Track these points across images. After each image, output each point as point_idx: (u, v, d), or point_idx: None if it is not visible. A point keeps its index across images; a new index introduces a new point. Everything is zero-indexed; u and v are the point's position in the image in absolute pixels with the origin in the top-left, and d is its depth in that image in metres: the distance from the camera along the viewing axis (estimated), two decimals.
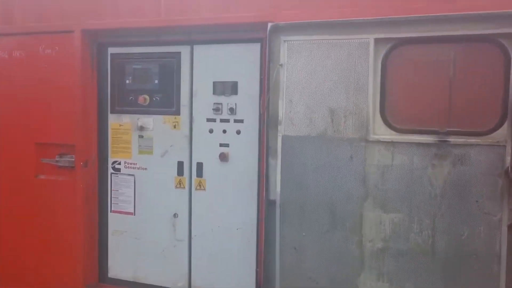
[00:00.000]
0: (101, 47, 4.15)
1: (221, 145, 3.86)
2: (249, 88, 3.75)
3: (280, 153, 3.46)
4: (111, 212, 4.23)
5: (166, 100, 3.97)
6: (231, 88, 3.79)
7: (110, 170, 4.21)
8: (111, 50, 4.13)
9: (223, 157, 3.82)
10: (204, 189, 3.94)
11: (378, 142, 3.23)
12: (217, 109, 3.83)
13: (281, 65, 3.42)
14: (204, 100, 3.86)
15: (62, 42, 4.04)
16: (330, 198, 3.35)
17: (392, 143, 3.20)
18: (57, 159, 4.17)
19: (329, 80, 3.32)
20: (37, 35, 4.12)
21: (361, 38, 3.23)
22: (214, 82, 3.83)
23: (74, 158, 4.11)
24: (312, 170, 3.38)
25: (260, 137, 3.74)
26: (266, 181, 3.53)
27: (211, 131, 3.87)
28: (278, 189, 3.47)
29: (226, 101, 3.81)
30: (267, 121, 3.50)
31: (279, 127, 3.46)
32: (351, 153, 3.29)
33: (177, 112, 3.95)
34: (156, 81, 3.98)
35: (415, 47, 3.22)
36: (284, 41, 3.40)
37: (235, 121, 3.80)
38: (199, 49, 3.88)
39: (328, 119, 3.33)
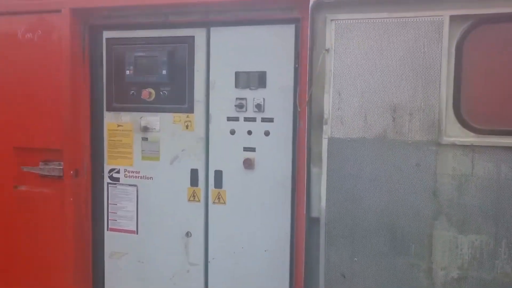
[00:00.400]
0: (94, 31, 3.45)
1: (245, 149, 3.19)
2: (281, 80, 3.08)
3: (325, 160, 2.80)
4: (108, 230, 3.55)
5: (177, 94, 3.30)
6: (258, 79, 3.11)
7: (107, 180, 3.51)
8: (107, 34, 3.43)
9: (248, 164, 3.15)
10: (224, 203, 3.26)
11: (454, 146, 2.59)
12: (240, 106, 3.15)
13: (327, 50, 2.75)
14: (224, 94, 3.19)
15: (46, 24, 3.36)
16: (390, 216, 2.70)
17: (471, 147, 2.56)
18: (41, 166, 3.48)
19: (389, 68, 2.67)
20: (15, 16, 3.41)
21: (433, 16, 2.58)
22: (236, 73, 3.15)
23: (62, 165, 3.43)
24: (367, 181, 2.73)
25: (294, 139, 3.08)
26: (307, 194, 2.86)
27: (232, 132, 3.18)
28: (323, 204, 2.81)
29: (252, 95, 3.14)
30: (309, 120, 2.83)
31: (324, 127, 2.79)
32: (417, 160, 2.64)
33: (190, 110, 3.27)
34: (164, 72, 3.28)
35: (501, 27, 2.57)
36: (331, 20, 2.74)
37: (263, 120, 3.13)
38: (217, 32, 3.20)
39: (388, 118, 2.67)
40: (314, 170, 2.85)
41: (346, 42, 2.73)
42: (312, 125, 2.83)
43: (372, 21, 2.68)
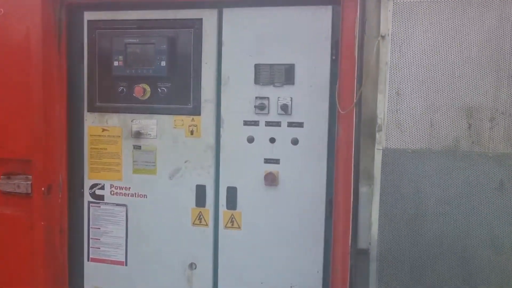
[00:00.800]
0: (73, 11, 2.77)
1: (266, 161, 2.58)
2: (314, 74, 2.47)
3: (378, 177, 2.20)
4: (88, 260, 2.86)
5: (179, 92, 2.65)
6: (285, 74, 2.49)
7: (88, 198, 2.83)
8: (89, 15, 2.75)
9: (270, 180, 2.52)
10: (239, 228, 2.63)
11: None
12: (261, 107, 2.52)
13: (382, 37, 2.14)
14: (241, 92, 2.57)
15: (11, 3, 2.66)
16: (464, 246, 2.13)
17: None
18: (3, 181, 2.77)
19: (464, 60, 2.08)
20: None
21: None
22: (256, 66, 2.52)
23: (31, 180, 2.72)
24: (433, 203, 2.16)
25: (331, 149, 2.48)
26: (353, 219, 2.24)
27: (251, 139, 2.55)
28: (374, 232, 2.23)
29: (276, 94, 2.52)
30: (357, 126, 2.22)
31: (377, 135, 2.19)
32: (501, 177, 2.06)
33: (196, 111, 2.63)
34: (163, 63, 2.61)
35: None
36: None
37: (290, 124, 2.52)
38: (232, 14, 2.57)
39: (462, 124, 2.11)
40: (362, 189, 2.25)
41: (408, 26, 2.15)
42: (361, 132, 2.22)
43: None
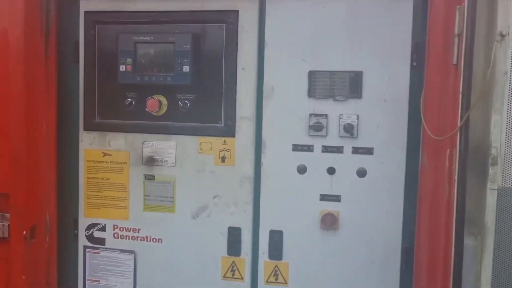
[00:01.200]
0: (65, 0, 2.12)
1: (323, 197, 1.99)
2: (388, 85, 1.91)
3: (492, 225, 1.62)
4: None
5: (206, 105, 2.07)
6: (349, 84, 1.93)
7: (84, 242, 2.22)
8: (87, 5, 2.14)
9: (329, 222, 1.96)
10: (285, 283, 2.06)
11: None
12: (317, 127, 1.94)
13: (502, 36, 1.56)
14: (289, 107, 2.00)
15: None
16: None
17: None
18: None
19: None
20: None
21: None
22: (311, 73, 1.94)
23: (9, 219, 2.08)
24: None
25: (412, 185, 1.91)
26: (455, 281, 1.64)
27: (302, 169, 1.98)
28: None
29: (338, 110, 1.96)
30: (462, 156, 1.61)
31: (490, 170, 1.64)
32: None
33: (230, 131, 2.04)
34: (186, 68, 2.00)
35: None
36: None
37: (356, 150, 1.96)
38: (278, 5, 1.98)
39: None
40: (468, 241, 1.67)
41: None
42: (467, 166, 1.62)
43: None
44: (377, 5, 1.89)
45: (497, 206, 1.64)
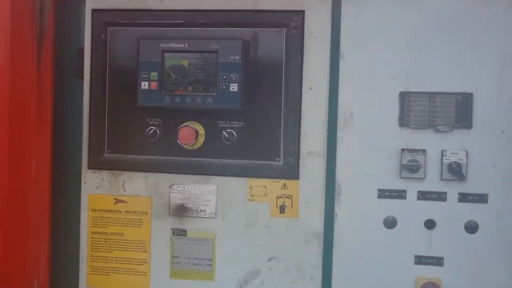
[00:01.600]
0: None
1: (421, 260, 1.52)
2: (508, 113, 1.45)
3: None
4: None
5: (259, 137, 1.57)
6: (456, 110, 1.49)
7: None
8: (94, 1, 1.55)
9: None
10: None
11: None
12: (412, 167, 1.49)
13: None
14: (374, 140, 1.53)
15: None
16: None
17: None
18: None
19: None
20: None
21: None
22: (403, 95, 1.49)
23: None
24: None
25: None
26: None
27: (391, 223, 1.53)
28: None
29: (440, 144, 1.50)
30: None
31: None
32: None
33: (291, 172, 1.56)
34: (233, 87, 1.50)
35: None
36: None
37: (465, 198, 1.50)
38: (358, 6, 1.51)
39: None
40: None
41: None
42: None
43: None
44: (496, 5, 1.44)
45: None
